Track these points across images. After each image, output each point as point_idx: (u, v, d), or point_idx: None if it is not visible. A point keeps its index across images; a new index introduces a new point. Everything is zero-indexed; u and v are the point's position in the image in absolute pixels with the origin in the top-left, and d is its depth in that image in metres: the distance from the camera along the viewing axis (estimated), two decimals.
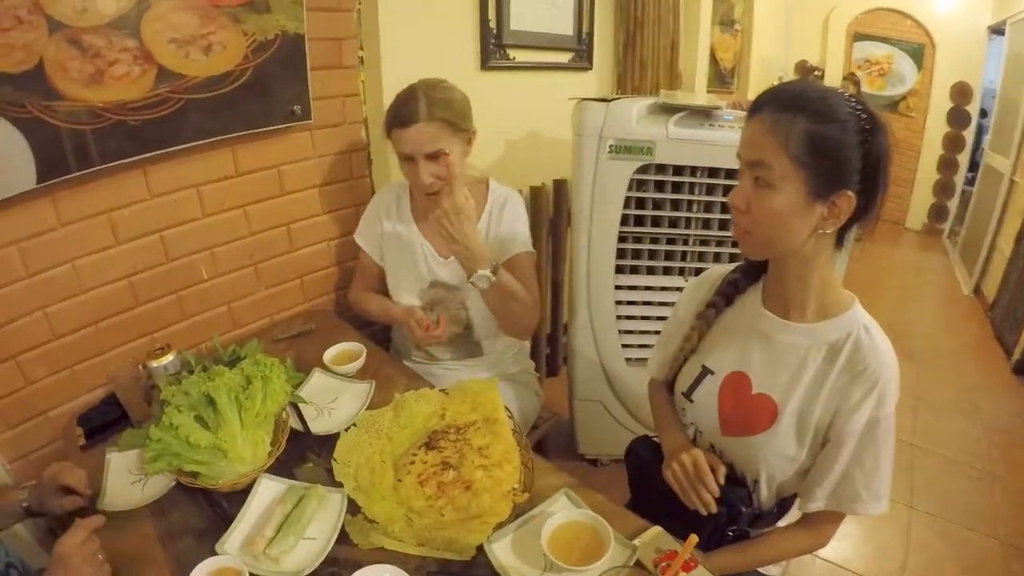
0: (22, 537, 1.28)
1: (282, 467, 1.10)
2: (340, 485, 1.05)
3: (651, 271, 1.93)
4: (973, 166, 5.11)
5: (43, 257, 1.30)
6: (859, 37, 5.60)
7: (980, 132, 5.13)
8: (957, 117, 5.22)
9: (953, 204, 5.37)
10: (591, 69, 2.67)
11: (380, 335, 1.90)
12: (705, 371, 1.08)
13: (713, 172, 1.75)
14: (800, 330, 0.97)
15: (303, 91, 1.59)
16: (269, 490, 1.05)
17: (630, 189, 1.78)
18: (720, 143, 1.69)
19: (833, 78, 5.48)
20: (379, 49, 1.78)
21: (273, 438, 1.13)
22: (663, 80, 2.96)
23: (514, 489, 1.03)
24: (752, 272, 1.07)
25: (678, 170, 1.76)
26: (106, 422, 1.33)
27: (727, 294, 1.09)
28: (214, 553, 0.91)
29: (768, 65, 4.77)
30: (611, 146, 1.74)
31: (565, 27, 2.48)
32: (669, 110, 1.79)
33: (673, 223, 1.84)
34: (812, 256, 0.92)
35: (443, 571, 0.92)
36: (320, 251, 1.84)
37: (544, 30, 2.36)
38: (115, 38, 1.23)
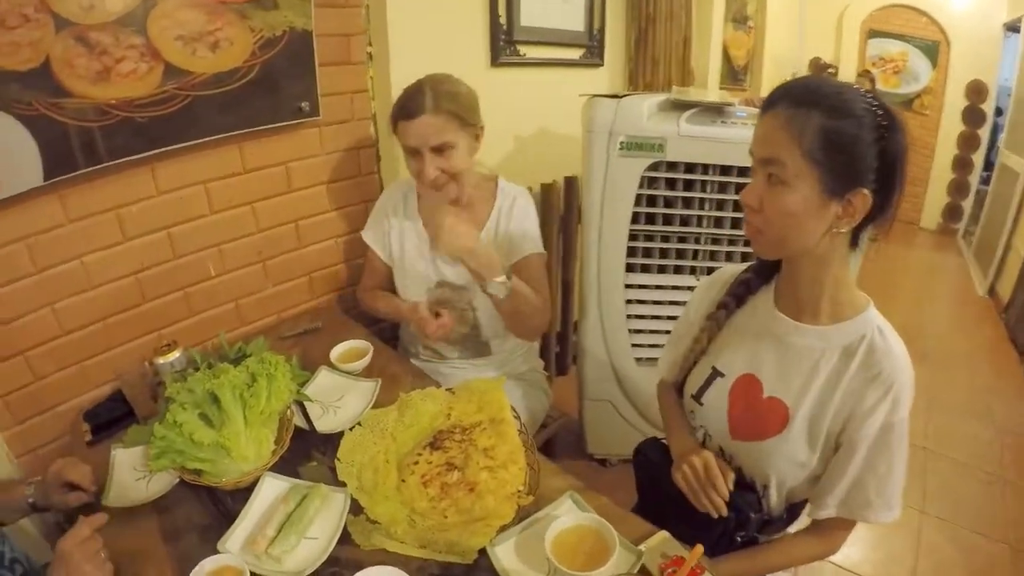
0: (29, 532, 1.29)
1: (286, 465, 1.10)
2: (344, 484, 1.04)
3: (662, 270, 1.91)
4: (988, 165, 5.04)
5: (51, 253, 1.30)
6: (873, 34, 5.53)
7: (995, 131, 5.05)
8: (972, 115, 5.15)
9: (968, 204, 5.30)
10: (602, 65, 2.65)
11: (388, 333, 1.89)
12: (715, 373, 1.07)
13: (725, 170, 1.73)
14: (813, 332, 0.95)
15: (311, 87, 1.59)
16: (272, 489, 1.04)
17: (641, 187, 1.76)
18: (732, 140, 1.67)
19: (847, 76, 5.41)
20: (388, 45, 1.77)
21: (277, 436, 1.12)
22: (675, 77, 2.93)
23: (519, 491, 1.01)
24: (764, 272, 1.05)
25: (690, 167, 1.74)
26: (112, 418, 1.33)
27: (738, 295, 1.07)
28: (217, 551, 0.91)
29: (781, 62, 4.72)
30: (622, 143, 1.71)
31: (576, 23, 2.46)
32: (681, 107, 1.77)
33: (684, 221, 1.82)
34: (826, 256, 0.90)
35: (445, 574, 0.91)
36: (328, 248, 1.83)
37: (555, 26, 2.34)
38: (122, 35, 1.23)
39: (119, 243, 1.40)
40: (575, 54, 2.52)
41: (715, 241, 1.85)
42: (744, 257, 1.82)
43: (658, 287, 1.91)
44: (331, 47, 1.63)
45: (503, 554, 0.92)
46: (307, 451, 1.16)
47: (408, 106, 1.39)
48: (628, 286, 1.90)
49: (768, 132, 0.85)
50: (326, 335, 1.61)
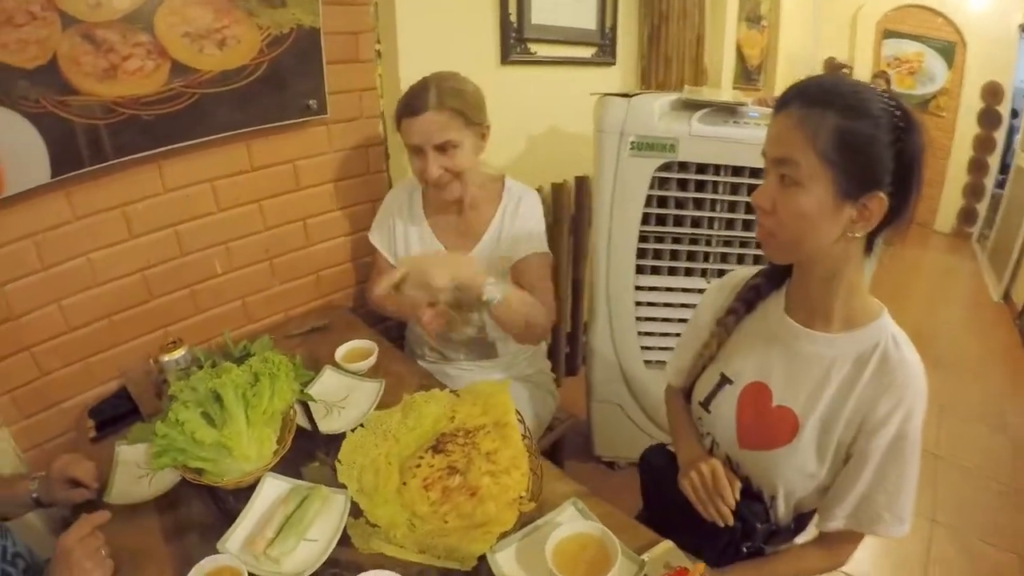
0: (35, 527, 1.29)
1: (289, 466, 1.09)
2: (345, 486, 1.03)
3: (672, 272, 1.89)
4: (1004, 168, 4.97)
5: (58, 250, 1.30)
6: (889, 34, 5.47)
7: (1011, 133, 4.97)
8: (988, 118, 5.08)
9: (983, 207, 5.23)
10: (614, 64, 2.63)
11: (394, 333, 1.88)
12: (724, 380, 1.04)
13: (737, 171, 1.70)
14: (825, 340, 0.92)
15: (319, 85, 1.58)
16: (274, 489, 1.03)
17: (652, 187, 1.74)
18: (745, 141, 1.64)
19: (862, 76, 5.34)
20: (396, 43, 1.76)
21: (279, 436, 1.11)
22: (688, 76, 2.90)
23: (521, 497, 1.00)
24: (775, 277, 1.02)
25: (701, 168, 1.71)
26: (117, 415, 1.34)
27: (748, 300, 1.04)
28: (217, 550, 0.90)
29: (795, 62, 4.68)
30: (632, 143, 1.70)
31: (588, 21, 2.44)
32: (693, 106, 1.75)
33: (696, 223, 1.79)
34: (839, 261, 0.87)
35: None
36: (336, 247, 1.83)
37: (566, 24, 2.33)
38: (128, 33, 1.22)
39: (125, 240, 1.40)
40: (587, 52, 2.50)
41: (726, 243, 1.82)
42: (756, 260, 1.79)
43: (668, 289, 1.89)
44: (339, 45, 1.62)
45: (503, 561, 0.91)
46: (311, 451, 1.15)
47: (412, 103, 1.38)
48: (638, 288, 1.88)
49: (781, 131, 0.83)
50: (333, 334, 1.61)
